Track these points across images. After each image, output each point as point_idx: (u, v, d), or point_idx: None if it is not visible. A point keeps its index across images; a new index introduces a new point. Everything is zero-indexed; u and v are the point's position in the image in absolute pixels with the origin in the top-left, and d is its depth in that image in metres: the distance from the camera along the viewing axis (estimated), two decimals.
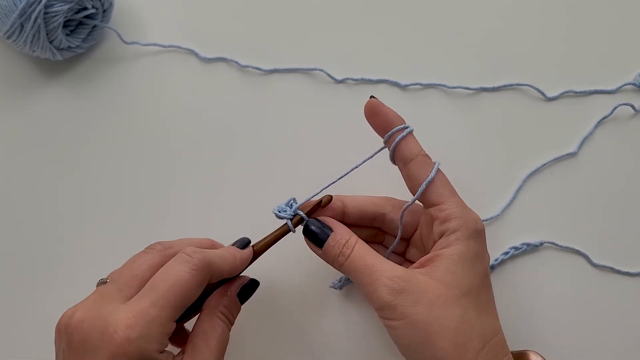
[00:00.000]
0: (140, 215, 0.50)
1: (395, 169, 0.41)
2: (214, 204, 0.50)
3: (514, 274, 0.48)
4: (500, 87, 0.52)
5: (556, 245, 0.48)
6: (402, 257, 0.44)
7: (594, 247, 0.48)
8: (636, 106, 0.51)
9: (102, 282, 0.38)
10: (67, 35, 0.51)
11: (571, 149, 0.51)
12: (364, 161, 0.41)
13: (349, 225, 0.41)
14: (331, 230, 0.39)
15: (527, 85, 0.52)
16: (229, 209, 0.50)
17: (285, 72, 0.53)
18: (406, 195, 0.41)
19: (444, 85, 0.52)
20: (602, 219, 0.49)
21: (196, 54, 0.53)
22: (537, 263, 0.48)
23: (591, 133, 0.51)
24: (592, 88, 0.52)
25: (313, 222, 0.40)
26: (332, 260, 0.39)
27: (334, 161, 0.50)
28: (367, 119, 0.40)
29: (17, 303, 0.48)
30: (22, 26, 0.48)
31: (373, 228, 0.44)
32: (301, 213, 0.40)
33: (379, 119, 0.40)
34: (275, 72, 0.53)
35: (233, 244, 0.41)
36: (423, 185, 0.38)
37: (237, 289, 0.40)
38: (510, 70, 0.53)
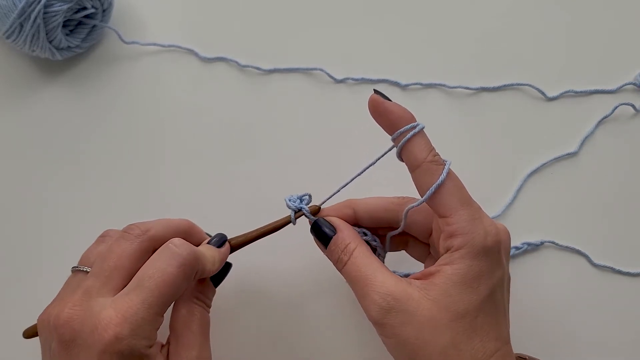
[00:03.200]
0: (140, 214, 0.49)
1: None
2: (213, 203, 0.50)
3: (515, 274, 0.47)
4: (501, 87, 0.52)
5: (557, 244, 0.48)
6: (428, 249, 0.42)
7: (595, 247, 0.48)
8: (637, 106, 0.51)
9: (78, 270, 0.38)
10: (67, 35, 0.51)
11: (572, 149, 0.51)
12: (376, 160, 0.39)
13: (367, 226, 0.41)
14: (335, 231, 0.39)
15: (527, 85, 0.52)
16: (228, 209, 0.49)
17: (285, 72, 0.53)
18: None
19: (444, 85, 0.52)
20: (602, 218, 0.49)
21: (196, 54, 0.53)
22: (537, 263, 0.48)
23: (592, 133, 0.51)
24: (592, 88, 0.52)
25: (320, 221, 0.39)
26: (334, 264, 0.39)
27: (334, 161, 0.50)
28: (372, 116, 0.38)
29: (16, 303, 0.48)
30: (21, 26, 0.48)
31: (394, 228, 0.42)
32: (306, 210, 0.40)
33: (384, 119, 0.37)
34: (275, 71, 0.53)
35: (209, 241, 0.40)
36: (426, 194, 0.35)
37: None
38: (510, 70, 0.53)
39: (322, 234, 0.39)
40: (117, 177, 0.51)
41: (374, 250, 0.42)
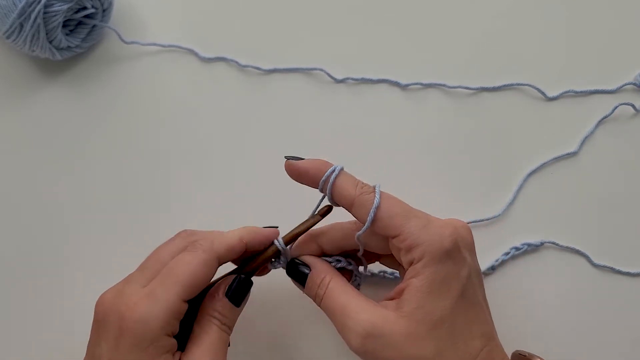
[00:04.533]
0: (140, 214, 0.50)
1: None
2: (213, 203, 0.50)
3: (515, 274, 0.48)
4: (501, 87, 0.52)
5: (557, 245, 0.48)
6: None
7: (595, 247, 0.48)
8: (637, 106, 0.51)
9: None
10: (67, 34, 0.51)
11: (572, 149, 0.51)
12: (313, 213, 0.40)
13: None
14: (309, 269, 0.39)
15: (527, 85, 0.52)
16: (228, 208, 0.49)
17: (285, 72, 0.53)
18: None
19: (444, 85, 0.52)
20: (602, 219, 0.49)
21: (196, 54, 0.53)
22: (537, 263, 0.48)
23: (592, 133, 0.51)
24: (592, 88, 0.52)
25: (294, 262, 0.40)
26: (313, 300, 0.39)
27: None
28: (294, 180, 0.40)
29: (17, 302, 0.48)
30: (21, 26, 0.48)
31: None
32: (280, 245, 0.40)
33: (303, 179, 0.39)
34: (275, 71, 0.53)
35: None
36: (367, 222, 0.36)
37: (224, 290, 0.39)
38: (510, 70, 0.53)
39: (299, 274, 0.40)
40: (116, 176, 0.51)
41: (350, 274, 0.42)
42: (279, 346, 0.47)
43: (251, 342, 0.47)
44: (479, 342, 0.36)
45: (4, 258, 0.49)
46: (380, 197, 0.37)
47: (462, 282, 0.36)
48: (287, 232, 0.40)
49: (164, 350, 0.35)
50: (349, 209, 0.38)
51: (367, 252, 0.41)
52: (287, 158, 0.39)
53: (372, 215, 0.36)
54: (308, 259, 0.40)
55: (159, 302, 0.34)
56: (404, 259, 0.37)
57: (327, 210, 0.40)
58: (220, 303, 0.38)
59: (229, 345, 0.40)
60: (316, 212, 0.40)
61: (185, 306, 0.36)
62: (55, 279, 0.49)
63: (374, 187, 0.38)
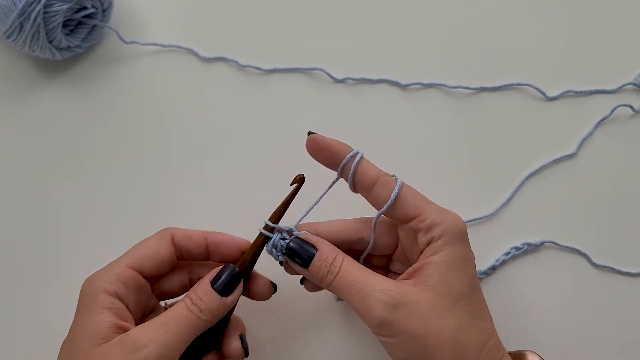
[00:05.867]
0: (140, 214, 0.50)
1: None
2: (213, 203, 0.50)
3: (515, 274, 0.48)
4: (501, 87, 0.52)
5: (557, 244, 0.48)
6: (385, 271, 0.43)
7: (594, 247, 0.48)
8: (635, 107, 0.51)
9: None
10: (67, 34, 0.51)
11: (571, 149, 0.51)
12: (322, 196, 0.40)
13: None
14: (315, 248, 0.38)
15: (527, 85, 0.52)
16: (228, 208, 0.50)
17: (285, 72, 0.53)
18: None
19: (444, 85, 0.52)
20: (602, 219, 0.49)
21: (196, 54, 0.53)
22: (537, 263, 0.48)
23: (590, 134, 0.51)
24: (592, 88, 0.52)
25: (295, 241, 0.39)
26: (320, 280, 0.38)
27: None
28: (312, 156, 0.39)
29: (17, 303, 0.48)
30: (21, 26, 0.48)
31: (354, 250, 0.42)
32: (269, 223, 0.39)
33: (326, 154, 0.39)
34: (275, 71, 0.53)
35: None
36: (393, 194, 0.37)
37: (210, 277, 0.38)
38: (511, 70, 0.53)
39: (301, 255, 0.38)
40: (116, 176, 0.51)
41: None
42: (278, 346, 0.47)
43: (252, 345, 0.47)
44: (489, 323, 0.37)
45: (4, 257, 0.49)
46: (401, 182, 0.38)
47: (473, 264, 0.38)
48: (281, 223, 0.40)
49: (103, 305, 0.36)
50: (369, 189, 0.38)
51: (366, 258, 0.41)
52: (311, 133, 0.39)
53: (397, 191, 0.37)
54: (313, 238, 0.39)
55: (108, 268, 0.38)
56: (422, 239, 0.37)
57: (301, 179, 0.40)
58: (201, 288, 0.38)
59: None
60: (290, 183, 0.40)
61: (134, 274, 0.38)
62: (55, 278, 0.49)
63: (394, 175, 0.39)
